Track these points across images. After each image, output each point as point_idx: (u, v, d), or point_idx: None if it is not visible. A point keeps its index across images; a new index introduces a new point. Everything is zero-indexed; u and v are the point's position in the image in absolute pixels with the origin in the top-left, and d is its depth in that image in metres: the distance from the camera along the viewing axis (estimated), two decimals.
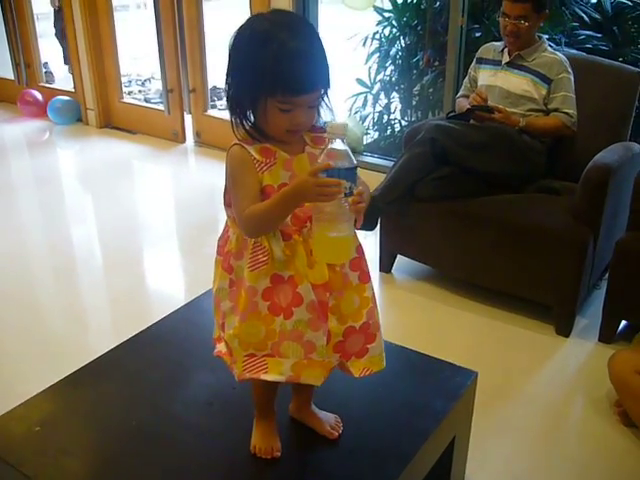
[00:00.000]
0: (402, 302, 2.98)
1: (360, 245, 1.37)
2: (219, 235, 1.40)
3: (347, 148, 1.17)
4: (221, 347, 1.41)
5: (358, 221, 1.23)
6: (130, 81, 6.86)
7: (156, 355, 1.85)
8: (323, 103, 1.29)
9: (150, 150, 5.08)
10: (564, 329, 2.65)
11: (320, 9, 4.20)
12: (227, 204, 1.34)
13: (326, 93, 1.27)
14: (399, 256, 3.14)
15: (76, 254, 3.63)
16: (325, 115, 1.31)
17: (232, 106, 1.27)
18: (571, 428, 2.26)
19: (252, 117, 1.28)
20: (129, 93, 6.32)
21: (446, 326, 2.78)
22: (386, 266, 3.14)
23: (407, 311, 2.91)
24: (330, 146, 1.17)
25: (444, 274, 3.06)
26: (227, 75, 1.27)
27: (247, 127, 1.28)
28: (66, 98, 5.63)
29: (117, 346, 1.89)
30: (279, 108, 1.22)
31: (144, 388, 1.73)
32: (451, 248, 2.88)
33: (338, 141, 1.17)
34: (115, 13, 5.36)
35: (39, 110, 5.77)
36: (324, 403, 1.58)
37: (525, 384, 2.44)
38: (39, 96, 5.84)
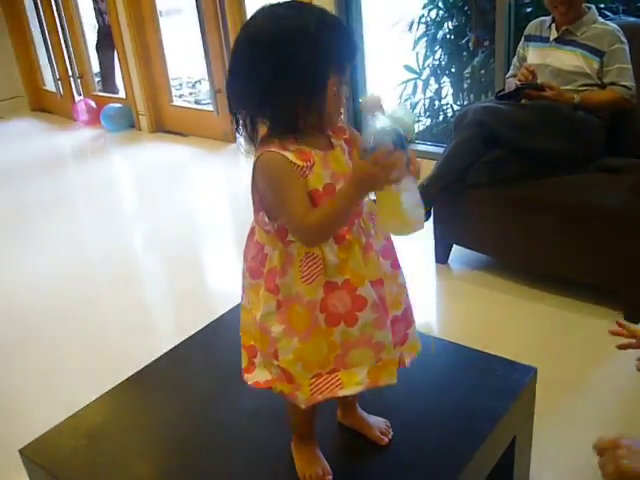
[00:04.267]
0: (460, 294, 2.88)
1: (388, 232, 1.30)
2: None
3: (388, 119, 1.09)
4: (257, 377, 1.31)
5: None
6: (181, 84, 6.92)
7: (202, 362, 1.82)
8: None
9: (202, 151, 5.10)
10: (634, 314, 2.49)
11: None
12: (262, 219, 1.22)
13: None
14: (455, 246, 3.03)
15: (135, 257, 3.69)
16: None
17: (276, 107, 1.14)
18: None
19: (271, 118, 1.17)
20: (180, 96, 6.37)
21: (507, 317, 2.66)
22: (442, 257, 3.04)
23: (465, 303, 2.80)
24: (376, 125, 1.08)
25: (503, 263, 2.94)
26: (263, 81, 1.12)
27: (279, 129, 1.17)
28: (118, 105, 5.71)
29: (166, 352, 1.87)
30: (338, 83, 1.14)
31: (192, 396, 1.69)
32: (508, 235, 2.76)
33: (380, 117, 1.09)
34: (165, 17, 5.39)
35: (93, 118, 5.87)
36: (372, 407, 1.51)
37: (593, 375, 2.31)
38: (93, 104, 5.94)
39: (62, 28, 6.15)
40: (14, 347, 2.77)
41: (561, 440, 2.00)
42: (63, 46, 6.18)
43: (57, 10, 6.03)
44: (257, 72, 1.12)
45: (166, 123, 5.60)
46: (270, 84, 1.11)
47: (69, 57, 6.27)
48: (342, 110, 1.21)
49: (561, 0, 2.72)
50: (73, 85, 6.33)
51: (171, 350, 1.86)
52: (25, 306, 3.12)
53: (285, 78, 1.11)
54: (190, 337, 1.92)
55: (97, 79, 6.45)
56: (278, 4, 1.16)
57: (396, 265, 1.31)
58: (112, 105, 5.73)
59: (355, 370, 1.24)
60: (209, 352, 1.86)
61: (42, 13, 6.12)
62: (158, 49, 5.37)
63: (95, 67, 6.43)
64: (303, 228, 1.15)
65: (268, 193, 1.19)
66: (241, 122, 1.19)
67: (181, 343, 1.90)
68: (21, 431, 1.73)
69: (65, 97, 6.30)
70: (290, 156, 1.15)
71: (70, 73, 6.24)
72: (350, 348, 1.23)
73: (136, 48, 5.31)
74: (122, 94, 5.90)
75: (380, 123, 1.09)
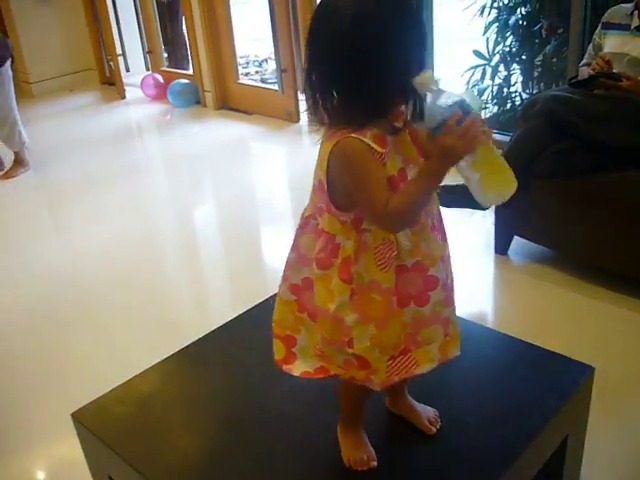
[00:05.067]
0: (518, 286, 2.81)
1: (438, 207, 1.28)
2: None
3: (444, 90, 1.08)
4: (302, 367, 1.32)
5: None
6: (248, 62, 6.94)
7: (254, 338, 1.82)
8: None
9: (265, 130, 5.10)
10: None
11: None
12: (342, 208, 1.17)
13: None
14: (516, 238, 2.96)
15: (196, 232, 3.75)
16: None
17: (378, 91, 1.09)
18: None
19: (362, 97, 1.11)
20: (246, 74, 6.39)
21: (566, 313, 2.58)
22: (502, 248, 2.97)
23: (524, 296, 2.73)
24: (437, 100, 1.07)
25: (564, 257, 2.85)
26: (367, 63, 1.07)
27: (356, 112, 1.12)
28: (185, 81, 5.76)
29: (218, 328, 1.88)
30: None
31: (239, 372, 1.70)
32: (571, 229, 2.67)
33: (437, 91, 1.07)
34: None
35: (161, 93, 5.94)
36: (423, 396, 1.49)
37: None
38: (160, 80, 6.02)
39: (134, 2, 6.25)
40: (75, 313, 2.85)
41: (615, 443, 1.94)
42: (135, 21, 6.29)
43: None
44: (338, 50, 1.08)
45: (231, 101, 5.62)
46: (354, 63, 1.07)
47: (140, 32, 6.37)
48: None
49: None
50: (142, 59, 6.44)
51: (222, 326, 1.88)
52: (88, 275, 3.19)
53: (374, 56, 1.07)
54: (242, 314, 1.92)
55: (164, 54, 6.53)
56: None
57: (444, 238, 1.29)
58: (179, 81, 5.78)
59: (428, 348, 1.27)
60: (259, 330, 1.85)
61: None
62: (227, 27, 5.38)
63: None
64: (387, 214, 1.12)
65: (347, 180, 1.14)
66: (318, 101, 1.13)
67: (233, 319, 1.91)
68: (76, 395, 1.76)
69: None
70: (369, 140, 1.11)
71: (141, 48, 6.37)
72: (421, 327, 1.24)
73: (205, 25, 5.33)
74: (190, 70, 5.95)
75: (440, 97, 1.07)
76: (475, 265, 2.97)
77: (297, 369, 1.33)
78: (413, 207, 1.14)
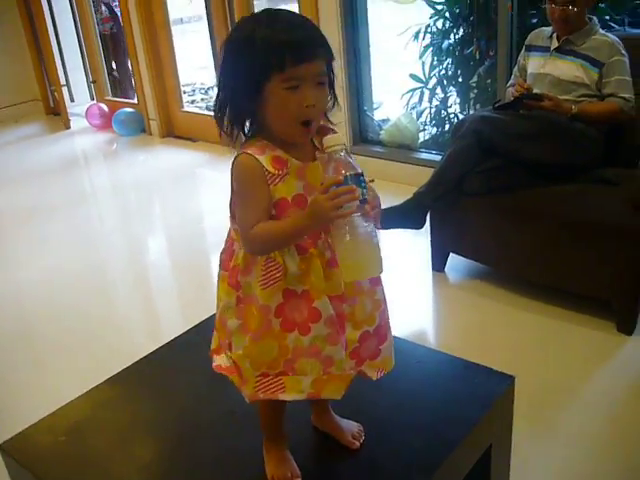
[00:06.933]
0: (455, 301, 2.88)
1: None
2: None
3: (348, 158, 1.12)
4: (220, 360, 1.34)
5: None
6: (194, 90, 6.96)
7: (186, 363, 1.84)
8: (330, 88, 1.21)
9: (210, 157, 5.13)
10: (626, 326, 2.49)
11: (370, 7, 4.12)
12: (233, 216, 1.26)
13: (330, 67, 1.19)
14: (453, 254, 3.03)
15: (144, 260, 3.75)
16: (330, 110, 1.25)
17: (230, 110, 1.20)
18: (634, 435, 2.10)
19: (250, 120, 1.22)
20: (192, 102, 6.42)
21: (501, 326, 2.65)
22: (438, 265, 3.04)
23: (460, 311, 2.80)
24: (333, 160, 1.11)
25: (499, 272, 2.93)
26: (219, 82, 1.21)
27: (247, 132, 1.22)
28: (129, 110, 5.77)
29: (150, 353, 1.89)
30: (285, 87, 1.12)
31: (173, 396, 1.71)
32: (503, 244, 2.75)
33: (340, 153, 1.12)
34: (186, 24, 5.44)
35: (106, 122, 5.93)
36: (347, 410, 1.51)
37: (582, 387, 2.31)
38: (105, 109, 6.01)
39: (77, 34, 6.25)
40: (13, 344, 2.82)
41: (544, 451, 2.00)
42: (77, 51, 6.29)
43: (72, 15, 6.14)
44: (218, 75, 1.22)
45: (176, 128, 5.65)
46: (223, 86, 1.20)
47: (83, 62, 6.37)
48: (314, 112, 1.16)
49: (557, 18, 2.74)
50: (87, 89, 6.44)
51: (154, 351, 1.88)
52: (31, 306, 3.18)
53: (229, 79, 1.18)
54: (173, 340, 1.93)
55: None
56: (252, 14, 1.20)
57: (375, 282, 1.30)
58: (123, 110, 5.79)
59: (301, 378, 1.25)
60: (190, 353, 1.87)
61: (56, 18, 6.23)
62: (170, 56, 5.42)
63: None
64: (247, 236, 1.17)
65: (234, 194, 1.22)
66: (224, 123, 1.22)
67: (166, 344, 1.92)
68: (4, 426, 1.75)
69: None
70: (264, 161, 1.16)
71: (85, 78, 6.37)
72: (299, 356, 1.23)
73: (148, 54, 5.36)
74: (134, 99, 5.95)
75: (343, 161, 1.11)
76: (414, 282, 3.04)
77: (216, 361, 1.36)
78: (270, 242, 1.17)
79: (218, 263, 1.33)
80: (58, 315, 3.01)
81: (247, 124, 1.23)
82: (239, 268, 1.24)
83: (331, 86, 1.21)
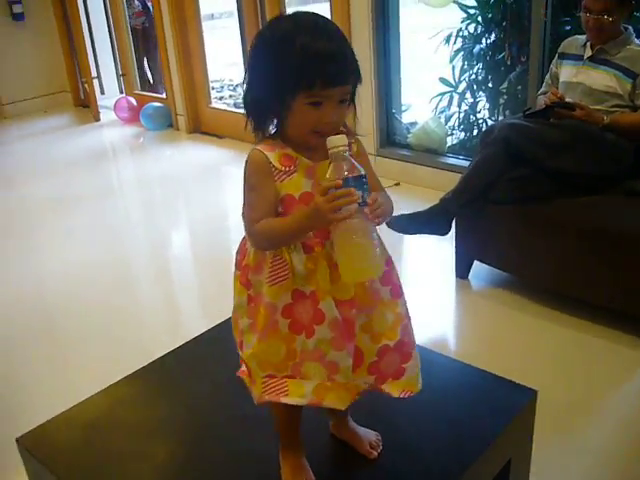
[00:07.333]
0: (478, 310, 2.85)
1: (390, 257, 1.28)
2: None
3: (351, 159, 1.11)
4: (244, 367, 1.33)
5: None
6: (222, 87, 6.99)
7: (205, 363, 1.84)
8: (351, 103, 1.22)
9: (236, 154, 5.12)
10: None
11: (401, 10, 4.09)
12: (244, 214, 1.27)
13: (356, 88, 1.20)
14: (477, 262, 3.00)
15: (168, 255, 3.76)
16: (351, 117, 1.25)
17: (253, 109, 1.22)
18: None
19: (275, 120, 1.22)
20: (220, 98, 6.44)
21: (523, 337, 2.62)
22: (462, 272, 3.01)
23: (483, 320, 2.77)
24: (335, 160, 1.11)
25: (523, 281, 2.90)
26: (246, 77, 1.21)
27: (267, 131, 1.23)
28: (157, 104, 5.80)
29: (169, 352, 1.89)
30: (309, 102, 1.14)
31: (190, 396, 1.71)
32: (529, 254, 2.72)
33: (343, 153, 1.11)
34: (217, 20, 5.45)
35: (134, 116, 5.96)
36: (365, 418, 1.50)
37: (607, 402, 2.27)
38: (134, 102, 6.04)
39: (109, 27, 6.30)
40: (34, 337, 2.84)
41: (563, 465, 1.97)
42: (109, 44, 6.34)
43: (105, 8, 6.19)
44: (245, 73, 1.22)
45: (203, 124, 5.66)
46: (250, 84, 1.21)
47: (114, 55, 6.42)
48: (332, 126, 1.17)
49: (591, 27, 2.70)
50: (116, 83, 6.49)
51: (173, 350, 1.88)
52: (54, 297, 3.19)
53: (258, 79, 1.19)
54: (194, 338, 1.93)
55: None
56: (291, 15, 1.20)
57: (397, 293, 1.28)
58: (152, 104, 5.82)
59: (304, 382, 1.23)
60: (212, 353, 1.87)
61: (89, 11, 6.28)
62: (200, 51, 5.44)
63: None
64: (251, 229, 1.20)
65: (243, 185, 1.24)
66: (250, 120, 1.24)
67: (185, 343, 1.92)
68: (23, 420, 1.76)
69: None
70: (272, 157, 1.18)
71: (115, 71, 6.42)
72: (305, 359, 1.22)
73: (178, 50, 5.39)
74: (163, 94, 5.98)
75: (344, 162, 1.10)
76: (437, 289, 3.01)
77: (241, 369, 1.34)
78: (274, 237, 1.18)
79: (234, 263, 1.33)
80: (79, 309, 3.03)
81: (271, 123, 1.23)
82: (250, 266, 1.25)
83: (352, 101, 1.22)
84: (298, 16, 1.18)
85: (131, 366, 1.82)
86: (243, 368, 1.32)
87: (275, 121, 1.23)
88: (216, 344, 1.88)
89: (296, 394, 1.23)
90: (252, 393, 1.29)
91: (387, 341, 1.27)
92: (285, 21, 1.18)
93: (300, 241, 1.19)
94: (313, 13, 1.19)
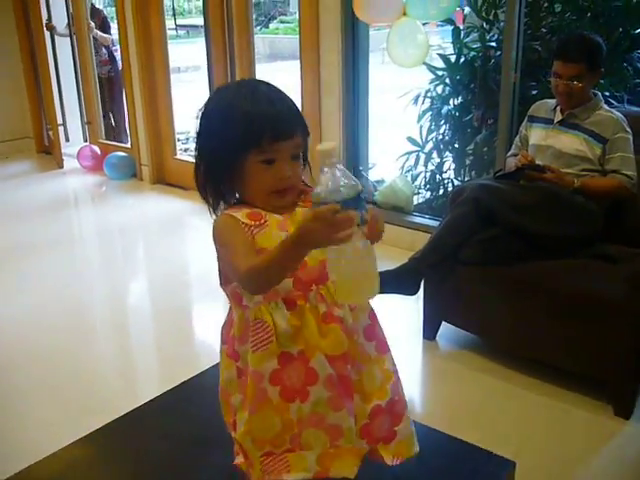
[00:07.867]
0: (444, 373, 2.78)
1: (373, 311, 1.22)
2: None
3: (346, 172, 1.02)
4: (239, 457, 1.22)
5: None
6: (187, 138, 6.95)
7: (163, 426, 1.73)
8: (304, 161, 1.21)
9: (200, 206, 4.99)
10: (624, 410, 2.39)
11: (371, 70, 4.13)
12: (224, 283, 1.22)
13: (305, 143, 1.19)
14: (444, 323, 2.95)
15: (126, 306, 3.64)
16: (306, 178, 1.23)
17: (207, 181, 1.20)
18: None
19: (232, 188, 1.21)
20: (185, 150, 6.39)
21: (491, 401, 2.55)
22: (430, 333, 2.95)
23: (450, 383, 2.70)
24: (330, 173, 1.01)
25: (491, 344, 2.85)
26: (197, 153, 1.21)
27: (227, 200, 1.21)
28: (122, 154, 5.73)
29: (125, 414, 1.78)
30: (261, 161, 1.13)
31: (147, 460, 1.60)
32: (498, 316, 2.68)
33: (334, 169, 1.02)
34: (177, 74, 5.45)
35: (97, 164, 5.87)
36: None
37: (577, 473, 2.19)
38: (97, 151, 5.96)
39: (75, 74, 6.25)
40: None
41: None
42: (75, 92, 6.28)
43: (73, 55, 6.15)
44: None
45: (167, 175, 5.60)
46: (199, 157, 1.21)
47: (79, 103, 6.34)
48: (288, 183, 1.17)
49: (561, 92, 2.73)
50: (81, 131, 6.41)
51: (129, 412, 1.78)
52: (5, 345, 3.03)
53: (207, 151, 1.19)
54: (153, 399, 1.83)
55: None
56: (232, 84, 1.27)
57: (383, 349, 1.23)
58: (116, 153, 5.75)
59: (305, 454, 1.14)
60: (171, 416, 1.77)
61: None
62: (166, 102, 5.41)
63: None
64: (242, 275, 1.11)
65: (218, 249, 1.17)
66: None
67: (143, 404, 1.81)
68: None
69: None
70: (239, 216, 1.15)
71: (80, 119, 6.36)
72: (303, 427, 1.14)
73: (145, 100, 5.35)
74: (127, 144, 5.92)
75: (339, 179, 1.02)
76: (403, 350, 2.93)
77: (237, 459, 1.25)
78: (265, 271, 1.08)
79: (220, 338, 1.27)
80: (35, 360, 2.88)
81: (230, 193, 1.22)
82: (236, 337, 1.18)
83: (305, 159, 1.21)
84: (240, 84, 1.22)
85: (82, 423, 1.72)
86: (239, 457, 1.22)
87: (234, 191, 1.21)
88: (172, 409, 1.79)
89: (299, 468, 1.15)
90: (251, 477, 1.18)
91: (378, 401, 1.21)
92: (225, 90, 1.21)
93: (291, 272, 1.12)
94: (255, 80, 1.25)
